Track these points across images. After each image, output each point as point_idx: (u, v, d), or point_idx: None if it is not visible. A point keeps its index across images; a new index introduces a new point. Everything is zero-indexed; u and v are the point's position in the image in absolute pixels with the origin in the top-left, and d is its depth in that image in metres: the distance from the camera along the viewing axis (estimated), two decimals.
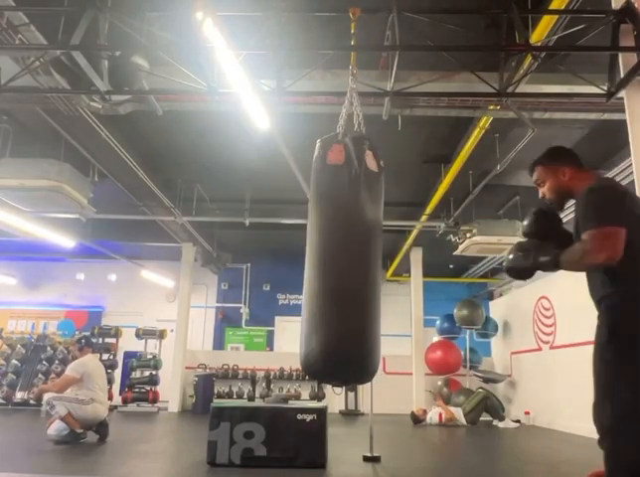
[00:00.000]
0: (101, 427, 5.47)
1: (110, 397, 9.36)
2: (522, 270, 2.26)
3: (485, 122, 5.58)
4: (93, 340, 10.37)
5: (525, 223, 2.44)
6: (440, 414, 8.17)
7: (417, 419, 8.30)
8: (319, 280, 2.54)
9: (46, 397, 5.36)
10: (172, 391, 10.23)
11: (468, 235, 8.31)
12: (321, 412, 4.43)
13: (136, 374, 10.12)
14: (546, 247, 2.18)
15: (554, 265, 2.12)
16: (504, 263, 2.37)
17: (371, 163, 2.74)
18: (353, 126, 3.12)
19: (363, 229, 2.63)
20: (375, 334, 2.56)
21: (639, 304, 1.98)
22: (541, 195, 2.42)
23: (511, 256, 2.28)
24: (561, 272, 2.33)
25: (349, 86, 3.27)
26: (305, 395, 10.10)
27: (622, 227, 1.96)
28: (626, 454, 1.83)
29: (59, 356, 9.99)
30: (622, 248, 1.94)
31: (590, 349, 2.07)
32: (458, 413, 8.23)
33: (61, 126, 5.69)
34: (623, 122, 3.84)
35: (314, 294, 2.54)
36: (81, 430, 5.23)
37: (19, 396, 9.62)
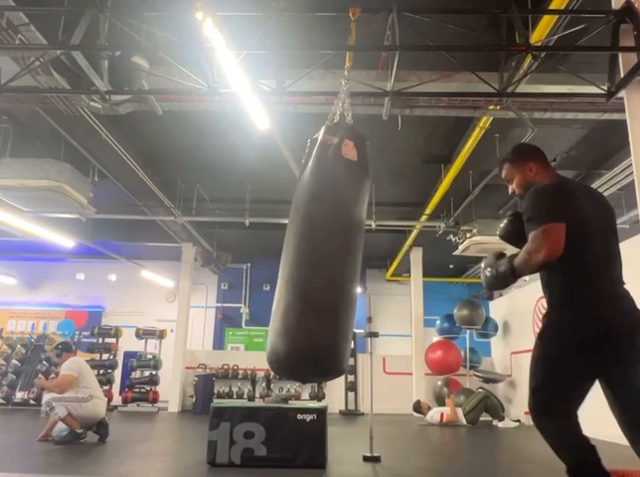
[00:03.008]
0: (101, 428, 5.46)
1: (110, 398, 9.38)
2: (493, 285, 2.26)
3: (485, 122, 5.58)
4: (93, 340, 10.44)
5: (501, 225, 2.48)
6: (442, 414, 8.17)
7: (419, 409, 8.29)
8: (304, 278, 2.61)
9: (45, 397, 5.34)
10: (172, 391, 10.22)
11: (468, 235, 8.30)
12: (321, 412, 4.42)
13: (136, 374, 10.11)
14: (503, 259, 2.19)
15: (511, 273, 2.13)
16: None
17: (349, 152, 2.71)
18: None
19: (346, 226, 2.69)
20: (347, 336, 2.63)
21: (582, 297, 2.04)
22: (510, 191, 2.46)
23: (482, 275, 2.34)
24: None
25: (342, 85, 3.27)
26: (305, 395, 10.10)
27: (560, 222, 1.99)
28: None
29: None
30: (562, 244, 1.97)
31: None
32: (458, 413, 8.23)
33: (61, 126, 5.69)
34: (623, 122, 3.84)
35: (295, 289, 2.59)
36: (82, 430, 5.22)
37: (19, 395, 9.60)
